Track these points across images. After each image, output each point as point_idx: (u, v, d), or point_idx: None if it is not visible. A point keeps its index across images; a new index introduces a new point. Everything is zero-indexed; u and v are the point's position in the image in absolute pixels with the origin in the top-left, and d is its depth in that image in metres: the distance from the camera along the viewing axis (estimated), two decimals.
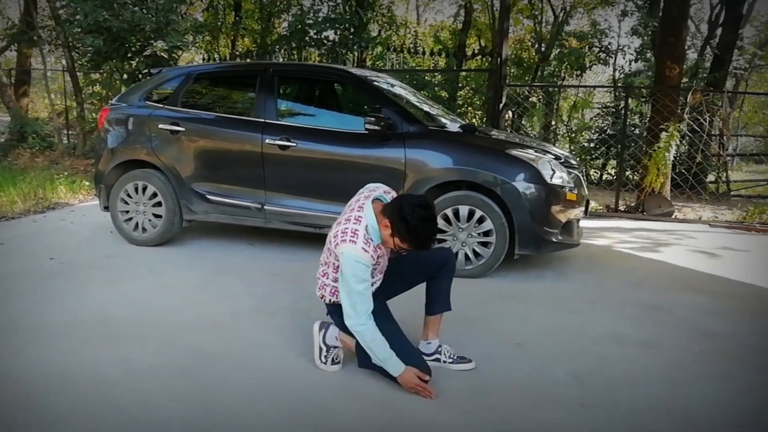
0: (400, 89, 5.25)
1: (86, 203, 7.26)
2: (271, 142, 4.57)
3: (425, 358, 2.81)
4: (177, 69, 5.36)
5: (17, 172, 8.93)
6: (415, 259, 2.88)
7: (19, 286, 3.99)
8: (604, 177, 11.86)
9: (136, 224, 5.04)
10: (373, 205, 2.61)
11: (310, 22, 11.16)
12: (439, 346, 2.89)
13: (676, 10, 7.57)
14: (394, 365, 2.57)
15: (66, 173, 9.02)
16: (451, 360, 2.85)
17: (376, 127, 4.26)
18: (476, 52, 12.45)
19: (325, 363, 2.83)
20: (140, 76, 9.12)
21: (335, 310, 2.77)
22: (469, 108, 12.26)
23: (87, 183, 8.19)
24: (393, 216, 2.50)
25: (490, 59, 12.14)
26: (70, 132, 12.24)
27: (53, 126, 11.51)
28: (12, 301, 3.72)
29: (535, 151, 4.50)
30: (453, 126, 4.70)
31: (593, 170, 11.95)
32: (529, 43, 13.27)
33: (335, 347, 2.82)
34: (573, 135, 11.98)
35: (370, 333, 2.56)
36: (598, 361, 3.02)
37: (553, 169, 4.30)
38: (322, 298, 2.83)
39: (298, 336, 3.17)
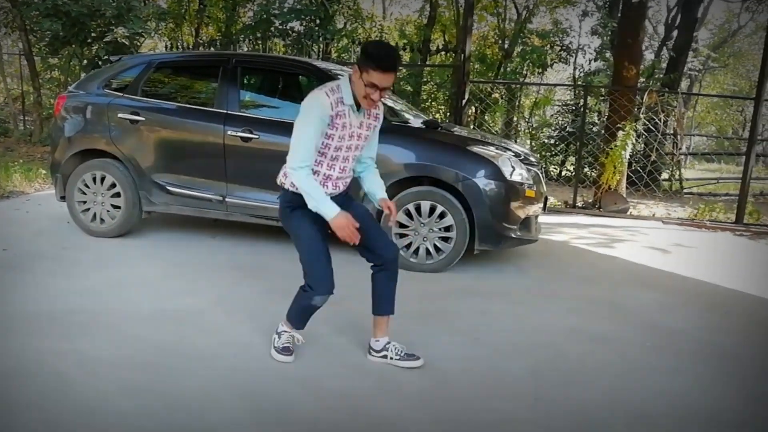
0: None
1: (42, 192, 7.08)
2: (233, 133, 4.54)
3: (374, 354, 2.94)
4: (137, 57, 5.27)
5: None
6: (371, 228, 2.87)
7: None
8: (563, 173, 12.12)
9: (94, 215, 4.94)
10: None
11: (276, 12, 11.08)
12: (388, 343, 2.94)
13: (634, 13, 7.79)
14: (329, 208, 2.61)
15: (21, 161, 8.77)
16: (398, 357, 2.90)
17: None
18: (441, 47, 12.53)
19: (276, 346, 2.90)
20: (100, 62, 8.90)
21: (283, 195, 2.82)
22: (433, 103, 12.36)
23: (43, 171, 7.98)
24: (358, 57, 2.63)
25: (454, 55, 12.25)
26: (26, 118, 11.90)
27: (8, 111, 11.16)
28: None
29: (496, 149, 4.59)
30: (416, 122, 4.75)
31: (553, 167, 12.20)
32: (493, 40, 13.42)
33: (285, 331, 2.91)
34: (534, 132, 12.20)
35: (303, 178, 2.61)
36: (554, 356, 3.12)
37: (512, 166, 4.39)
38: (280, 184, 2.82)
39: (258, 330, 3.18)
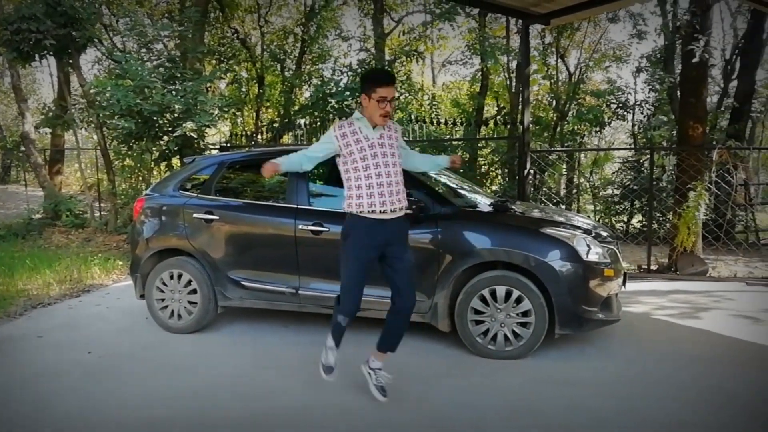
0: None
1: (120, 283, 7.33)
2: (304, 227, 4.62)
3: (367, 367, 3.60)
4: (209, 158, 5.48)
5: (52, 253, 9.10)
6: (403, 276, 3.42)
7: (56, 385, 3.99)
8: (629, 230, 11.76)
9: (172, 312, 5.07)
10: None
11: (331, 91, 11.45)
12: (379, 369, 3.56)
13: (695, 72, 7.64)
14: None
15: (99, 252, 9.17)
16: (374, 384, 3.52)
17: (407, 210, 4.27)
18: (495, 113, 12.59)
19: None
20: (169, 154, 9.35)
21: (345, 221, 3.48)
22: (491, 168, 12.35)
23: (120, 262, 8.31)
24: (361, 87, 3.34)
25: (507, 119, 12.27)
26: (102, 205, 12.49)
27: (86, 202, 11.74)
28: (51, 402, 3.71)
29: (567, 227, 4.49)
30: (484, 204, 4.71)
31: (618, 224, 11.89)
32: (546, 102, 13.41)
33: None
34: (596, 191, 11.97)
35: (287, 159, 3.40)
36: None
37: (588, 246, 4.28)
38: (345, 210, 3.46)
39: None
